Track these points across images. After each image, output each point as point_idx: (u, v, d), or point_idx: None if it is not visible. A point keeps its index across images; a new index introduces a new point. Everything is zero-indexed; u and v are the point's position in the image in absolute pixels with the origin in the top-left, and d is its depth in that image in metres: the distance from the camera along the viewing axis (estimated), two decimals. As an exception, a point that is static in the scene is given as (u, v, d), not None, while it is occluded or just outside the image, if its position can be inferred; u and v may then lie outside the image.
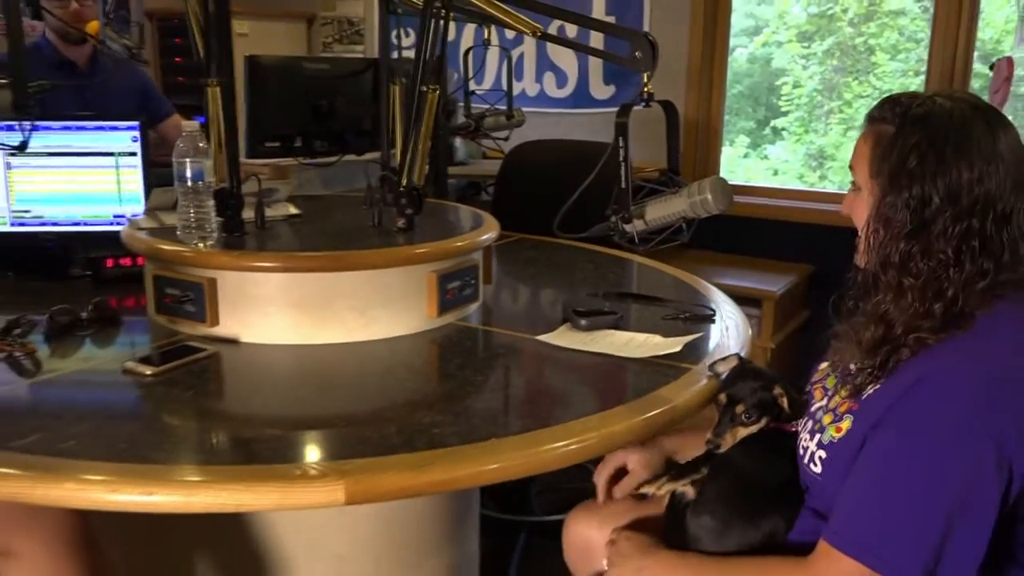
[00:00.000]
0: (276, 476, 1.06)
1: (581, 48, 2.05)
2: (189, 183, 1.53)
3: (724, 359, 1.40)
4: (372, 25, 4.31)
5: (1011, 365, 0.99)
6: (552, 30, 3.08)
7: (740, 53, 4.80)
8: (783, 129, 5.21)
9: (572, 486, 1.73)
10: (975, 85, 3.22)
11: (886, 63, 4.70)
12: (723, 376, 1.36)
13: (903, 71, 4.47)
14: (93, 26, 2.64)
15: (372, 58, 2.65)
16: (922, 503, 0.98)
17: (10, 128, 1.54)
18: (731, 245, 3.45)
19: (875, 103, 1.14)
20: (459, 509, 1.76)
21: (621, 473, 1.41)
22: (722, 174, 3.68)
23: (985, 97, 2.37)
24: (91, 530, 1.26)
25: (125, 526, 1.47)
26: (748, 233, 3.43)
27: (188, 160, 1.52)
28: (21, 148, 1.46)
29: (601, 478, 1.42)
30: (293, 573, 1.56)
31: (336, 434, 1.24)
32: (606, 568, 1.31)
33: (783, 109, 5.16)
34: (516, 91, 3.76)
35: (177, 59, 4.24)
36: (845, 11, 4.71)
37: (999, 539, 0.99)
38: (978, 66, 3.21)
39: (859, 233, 1.15)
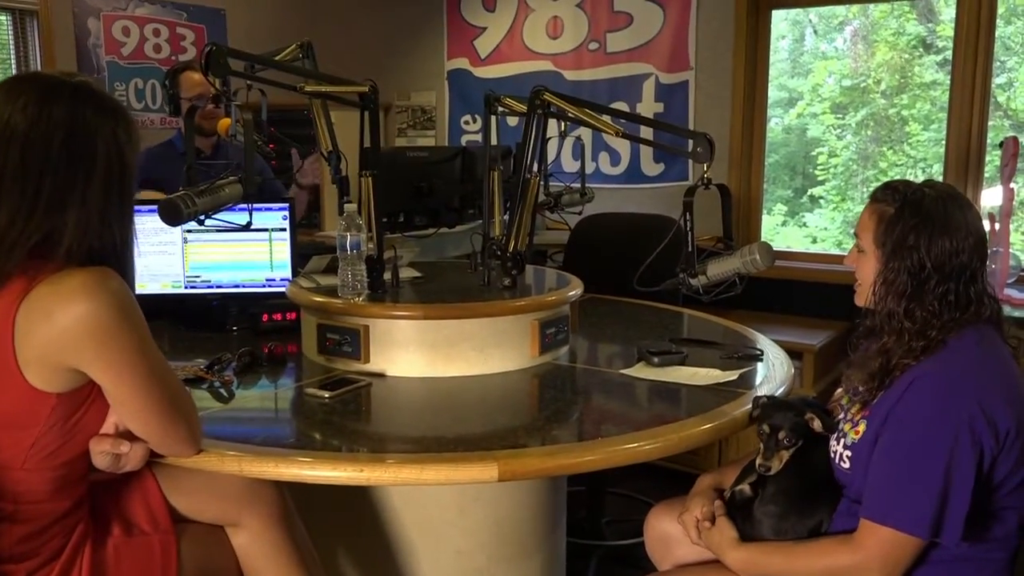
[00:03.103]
0: (444, 460, 1.46)
1: (656, 145, 2.47)
2: (348, 251, 1.96)
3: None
4: (443, 113, 4.81)
5: (973, 369, 1.38)
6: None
7: (775, 123, 4.91)
8: (820, 197, 5.45)
9: (637, 518, 2.06)
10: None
11: (919, 133, 4.96)
12: (758, 411, 1.64)
13: (936, 140, 4.56)
14: (225, 123, 3.12)
15: (460, 147, 3.11)
16: (923, 474, 1.34)
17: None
18: (774, 304, 3.76)
19: (879, 185, 1.54)
20: (553, 516, 2.13)
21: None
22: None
23: None
24: (292, 509, 1.66)
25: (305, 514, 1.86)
26: (789, 294, 3.77)
27: (348, 234, 1.95)
28: (201, 223, 1.87)
29: (692, 531, 1.64)
30: (420, 564, 1.93)
31: (478, 436, 1.63)
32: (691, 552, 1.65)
33: (819, 178, 5.40)
34: (574, 168, 4.21)
35: (271, 145, 4.77)
36: (878, 83, 4.94)
37: (982, 503, 1.35)
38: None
39: (858, 281, 1.55)
